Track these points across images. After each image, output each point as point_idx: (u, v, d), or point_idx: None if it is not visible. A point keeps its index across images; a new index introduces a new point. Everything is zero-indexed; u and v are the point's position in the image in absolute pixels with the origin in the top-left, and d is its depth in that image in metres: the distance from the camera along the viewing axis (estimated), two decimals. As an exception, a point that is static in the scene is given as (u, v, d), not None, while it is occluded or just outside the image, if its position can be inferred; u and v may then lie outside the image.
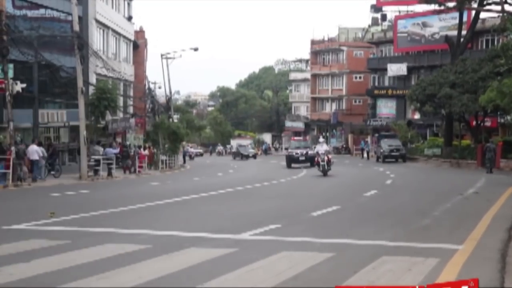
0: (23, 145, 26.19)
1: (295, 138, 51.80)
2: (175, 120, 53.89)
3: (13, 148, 23.93)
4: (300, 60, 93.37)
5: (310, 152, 38.34)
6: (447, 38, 45.30)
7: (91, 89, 33.82)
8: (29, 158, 25.40)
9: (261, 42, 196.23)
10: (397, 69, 61.24)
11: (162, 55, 51.31)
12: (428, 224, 11.17)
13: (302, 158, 39.42)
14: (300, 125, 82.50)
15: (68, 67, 32.16)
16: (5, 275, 6.69)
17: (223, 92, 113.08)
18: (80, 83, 27.75)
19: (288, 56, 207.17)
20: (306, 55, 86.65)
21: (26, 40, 28.29)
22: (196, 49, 52.63)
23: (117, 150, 31.89)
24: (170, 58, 51.27)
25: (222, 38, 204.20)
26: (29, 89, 28.36)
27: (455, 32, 45.10)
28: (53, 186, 22.86)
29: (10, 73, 25.34)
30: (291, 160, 39.87)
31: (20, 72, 28.48)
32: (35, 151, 25.58)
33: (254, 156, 63.95)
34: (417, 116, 55.80)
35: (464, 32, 43.40)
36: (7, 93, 24.59)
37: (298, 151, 40.21)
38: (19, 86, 25.81)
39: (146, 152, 38.49)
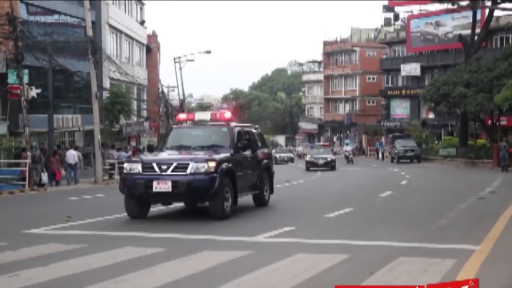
0: (38, 150, 26.52)
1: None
2: (189, 123, 53.99)
3: (29, 153, 24.17)
4: (313, 62, 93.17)
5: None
6: (460, 37, 45.03)
7: (105, 94, 34.03)
8: (67, 162, 27.13)
9: (273, 43, 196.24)
10: (410, 69, 60.95)
11: (174, 59, 51.54)
12: (445, 225, 11.10)
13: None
14: (313, 126, 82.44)
15: (82, 72, 32.39)
16: (23, 279, 6.74)
17: (236, 94, 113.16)
18: (94, 87, 27.91)
19: (300, 57, 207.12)
20: (319, 56, 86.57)
21: (40, 45, 28.52)
22: (208, 52, 52.76)
23: (129, 154, 32.05)
24: (182, 61, 51.46)
25: (234, 40, 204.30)
26: (44, 94, 28.59)
27: (468, 31, 44.81)
28: (70, 191, 23.03)
29: (25, 79, 25.62)
30: None
31: (35, 78, 28.75)
32: (72, 155, 27.07)
33: None
34: (431, 116, 55.50)
35: (478, 31, 43.12)
36: (22, 99, 24.90)
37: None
38: (34, 92, 26.15)
39: None
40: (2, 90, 27.19)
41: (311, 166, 37.07)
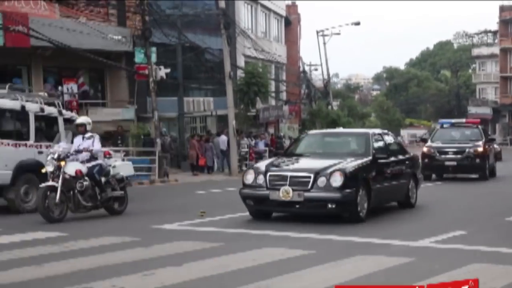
0: (168, 137, 27.61)
1: None
2: (335, 107, 54.10)
3: (158, 140, 25.29)
4: (486, 32, 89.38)
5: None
6: None
7: (239, 73, 34.76)
8: (220, 148, 29.35)
9: (436, 12, 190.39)
10: None
11: (317, 32, 51.73)
12: None
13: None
14: (487, 111, 79.24)
15: (214, 48, 33.25)
16: (158, 278, 7.12)
17: (390, 73, 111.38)
18: (227, 66, 28.56)
19: (470, 27, 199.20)
20: (494, 26, 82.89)
21: (169, 20, 29.52)
22: (357, 24, 52.34)
23: (262, 146, 32.59)
24: (327, 35, 51.49)
25: (387, 9, 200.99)
26: (172, 74, 29.68)
27: None
28: (202, 183, 23.93)
29: (153, 58, 26.53)
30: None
31: (162, 56, 29.65)
32: (223, 141, 29.20)
33: None
34: None
35: None
36: (150, 80, 25.96)
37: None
38: (163, 72, 27.02)
39: None
40: (128, 70, 28.52)
41: (437, 169, 23.53)
